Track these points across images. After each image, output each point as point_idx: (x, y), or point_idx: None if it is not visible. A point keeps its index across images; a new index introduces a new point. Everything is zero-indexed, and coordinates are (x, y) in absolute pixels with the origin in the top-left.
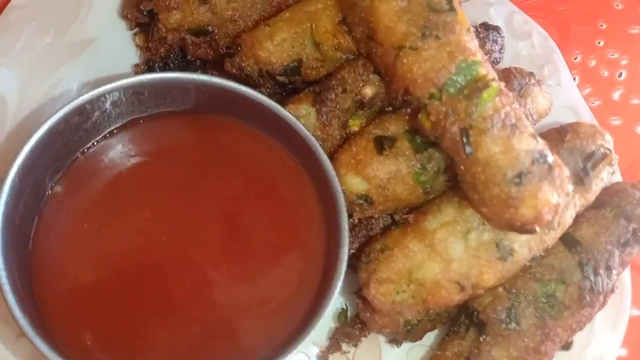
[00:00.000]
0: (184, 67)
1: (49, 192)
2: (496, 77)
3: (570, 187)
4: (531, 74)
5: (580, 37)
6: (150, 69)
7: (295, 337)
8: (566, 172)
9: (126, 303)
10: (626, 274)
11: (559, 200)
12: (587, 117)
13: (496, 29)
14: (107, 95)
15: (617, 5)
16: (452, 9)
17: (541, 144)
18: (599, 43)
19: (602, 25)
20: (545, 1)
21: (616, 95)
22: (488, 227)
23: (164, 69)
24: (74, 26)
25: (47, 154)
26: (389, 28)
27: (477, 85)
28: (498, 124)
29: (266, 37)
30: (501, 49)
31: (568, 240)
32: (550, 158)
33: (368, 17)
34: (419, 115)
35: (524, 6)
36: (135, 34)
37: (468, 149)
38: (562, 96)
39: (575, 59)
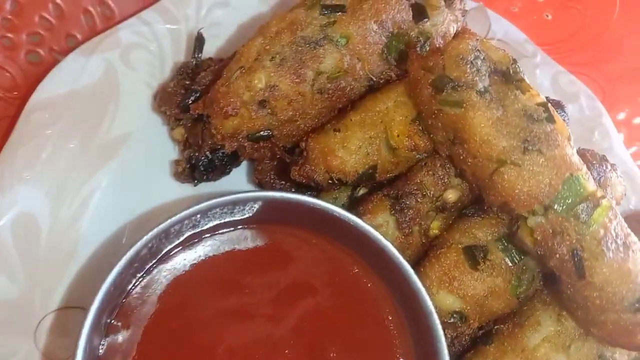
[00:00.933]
0: (231, 163)
1: (107, 335)
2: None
3: None
4: (604, 158)
5: (624, 94)
6: (193, 167)
7: None
8: None
9: None
10: None
11: None
12: None
13: (559, 105)
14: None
15: None
16: (550, 118)
17: None
18: None
19: None
20: (587, 57)
21: None
22: (589, 338)
23: (208, 166)
24: (103, 126)
25: (106, 301)
26: (486, 141)
27: (586, 204)
28: (612, 246)
29: (339, 145)
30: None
31: None
32: None
33: (458, 126)
34: (519, 231)
35: (565, 62)
36: (171, 128)
37: (581, 273)
38: (614, 161)
39: (618, 117)
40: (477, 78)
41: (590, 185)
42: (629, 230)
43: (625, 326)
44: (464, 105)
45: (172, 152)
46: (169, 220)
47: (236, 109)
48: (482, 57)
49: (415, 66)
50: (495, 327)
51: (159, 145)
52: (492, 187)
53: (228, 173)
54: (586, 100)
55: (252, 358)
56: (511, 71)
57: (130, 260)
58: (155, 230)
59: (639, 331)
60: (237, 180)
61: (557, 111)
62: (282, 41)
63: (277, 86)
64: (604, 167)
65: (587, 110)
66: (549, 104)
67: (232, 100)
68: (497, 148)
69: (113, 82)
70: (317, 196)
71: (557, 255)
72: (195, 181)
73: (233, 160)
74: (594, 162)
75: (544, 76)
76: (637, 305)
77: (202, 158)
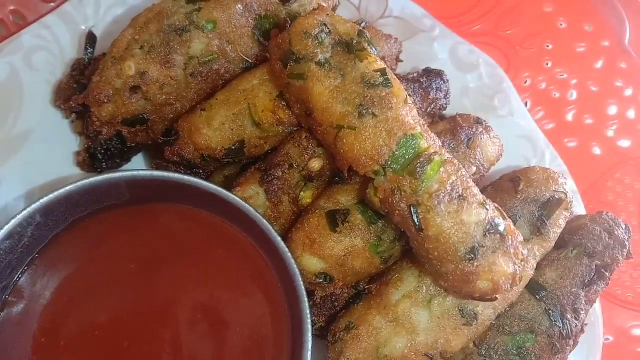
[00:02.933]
0: (126, 152)
1: (2, 310)
2: (439, 145)
3: (525, 252)
4: (478, 120)
5: (527, 60)
6: (92, 157)
7: None
8: (520, 237)
9: None
10: (596, 305)
11: (515, 269)
12: (542, 145)
13: (439, 74)
14: (33, 217)
15: (561, 25)
16: (386, 82)
17: (491, 211)
18: (547, 64)
19: (548, 46)
20: (489, 26)
21: (569, 116)
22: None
23: (105, 155)
24: (7, 124)
25: None
26: (325, 109)
27: (419, 161)
28: (445, 198)
29: (203, 123)
30: (446, 94)
31: (533, 286)
32: (502, 226)
33: (304, 97)
34: (367, 191)
35: (469, 33)
36: (72, 122)
37: (418, 227)
38: (515, 126)
39: (525, 83)
40: (318, 50)
41: (425, 143)
42: (471, 184)
43: (462, 275)
44: (306, 76)
45: (76, 144)
46: (24, 212)
47: (108, 96)
48: (327, 31)
49: (272, 44)
50: (367, 287)
51: (64, 138)
52: (337, 152)
53: (128, 160)
54: (486, 68)
55: (139, 327)
56: (354, 42)
57: (8, 239)
58: (27, 211)
59: (476, 279)
60: (140, 165)
61: (436, 80)
62: (150, 30)
63: (147, 72)
64: (474, 130)
65: (486, 79)
66: (387, 69)
67: (104, 88)
68: (335, 114)
69: (16, 84)
70: (209, 176)
71: (398, 212)
72: (98, 170)
73: (128, 149)
74: (465, 125)
75: (442, 49)
76: (471, 255)
77: (99, 147)
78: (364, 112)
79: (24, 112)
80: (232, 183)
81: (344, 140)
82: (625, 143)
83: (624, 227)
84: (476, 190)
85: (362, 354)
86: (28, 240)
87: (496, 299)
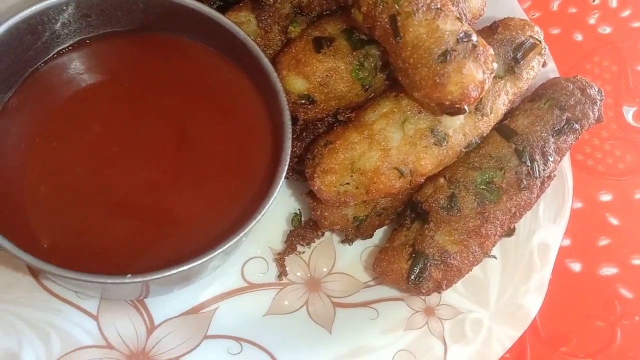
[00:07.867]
0: None
1: (1, 107)
2: None
3: (495, 65)
4: None
5: None
6: None
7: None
8: (490, 50)
9: (80, 210)
10: (567, 169)
11: (484, 77)
12: None
13: None
14: (57, 17)
15: None
16: None
17: (466, 26)
18: None
19: None
20: None
21: (554, 6)
22: (423, 116)
23: None
24: None
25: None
26: None
27: None
28: (423, 7)
29: None
30: None
31: (504, 130)
32: (475, 37)
33: None
34: (352, 10)
35: None
36: None
37: (396, 34)
38: (503, 8)
39: None
40: None
41: None
42: (449, 3)
43: (433, 79)
44: None
45: None
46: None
47: None
48: None
49: None
50: (347, 115)
51: None
52: None
53: None
54: None
55: (129, 139)
56: None
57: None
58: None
59: (447, 82)
60: None
61: None
62: None
63: None
64: None
65: None
66: None
67: None
68: None
69: None
70: None
71: (379, 24)
72: None
73: None
74: None
75: None
76: (443, 57)
77: None
78: None
79: None
80: None
81: None
82: (605, 30)
83: (596, 89)
84: (454, 8)
85: (337, 165)
86: (40, 45)
87: (465, 110)
